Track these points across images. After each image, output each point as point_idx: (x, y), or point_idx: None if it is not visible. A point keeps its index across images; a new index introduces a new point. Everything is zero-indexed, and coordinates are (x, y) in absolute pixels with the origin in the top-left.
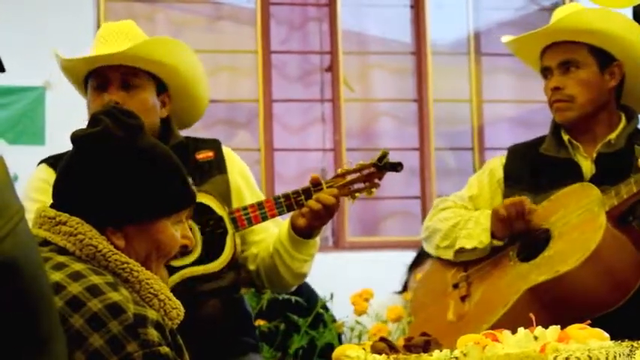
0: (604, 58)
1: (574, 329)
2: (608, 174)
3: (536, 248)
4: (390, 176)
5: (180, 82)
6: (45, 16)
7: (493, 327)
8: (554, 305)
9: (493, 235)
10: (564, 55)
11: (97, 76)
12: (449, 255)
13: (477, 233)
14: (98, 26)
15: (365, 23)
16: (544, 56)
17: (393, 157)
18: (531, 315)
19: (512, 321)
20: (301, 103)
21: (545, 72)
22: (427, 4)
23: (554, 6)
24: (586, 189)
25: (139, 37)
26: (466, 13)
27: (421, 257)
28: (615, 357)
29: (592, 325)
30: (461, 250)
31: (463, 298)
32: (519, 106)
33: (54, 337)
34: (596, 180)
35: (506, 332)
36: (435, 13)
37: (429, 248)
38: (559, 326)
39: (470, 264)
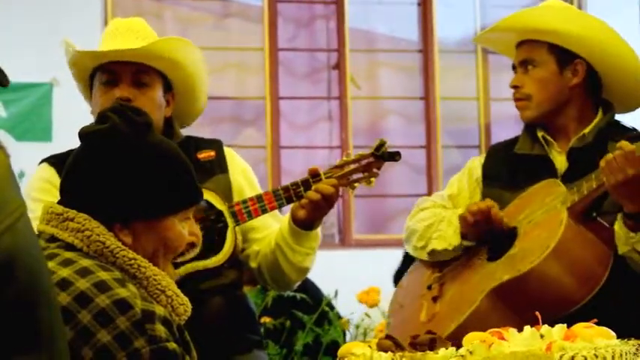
0: (564, 56)
1: (580, 328)
2: (580, 169)
3: (504, 247)
4: (396, 174)
5: (186, 82)
6: (53, 12)
7: (460, 327)
8: (519, 303)
9: (464, 236)
10: (524, 54)
11: (107, 72)
12: (424, 256)
13: (448, 235)
14: (106, 23)
15: (372, 21)
16: (515, 53)
17: (399, 151)
18: (537, 314)
19: (478, 320)
20: (308, 101)
21: (513, 70)
22: (434, 2)
23: None
24: (552, 186)
25: (150, 35)
26: (473, 11)
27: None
28: (622, 355)
29: (599, 324)
30: (433, 252)
31: (435, 299)
32: None
33: (55, 334)
34: (568, 175)
35: (513, 330)
36: (442, 11)
37: (408, 248)
38: (565, 325)
39: (445, 265)
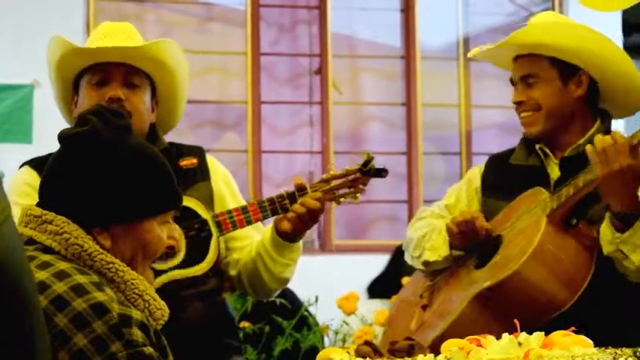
0: (566, 69)
1: (558, 336)
2: (569, 178)
3: (491, 255)
4: (377, 180)
5: (171, 86)
6: (34, 14)
7: (443, 334)
8: (501, 310)
9: (453, 246)
10: (526, 69)
11: (98, 72)
12: (419, 265)
13: (438, 245)
14: (88, 25)
15: (355, 26)
16: (513, 67)
17: (380, 161)
18: (516, 321)
19: (461, 328)
20: (290, 106)
21: (512, 83)
22: (417, 8)
23: None
24: (537, 194)
25: (138, 38)
26: (456, 18)
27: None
28: None
29: (576, 332)
30: (426, 263)
31: (424, 307)
32: (507, 112)
33: (37, 337)
34: (560, 184)
35: (491, 338)
36: (424, 17)
37: (407, 258)
38: (543, 332)
39: (437, 273)
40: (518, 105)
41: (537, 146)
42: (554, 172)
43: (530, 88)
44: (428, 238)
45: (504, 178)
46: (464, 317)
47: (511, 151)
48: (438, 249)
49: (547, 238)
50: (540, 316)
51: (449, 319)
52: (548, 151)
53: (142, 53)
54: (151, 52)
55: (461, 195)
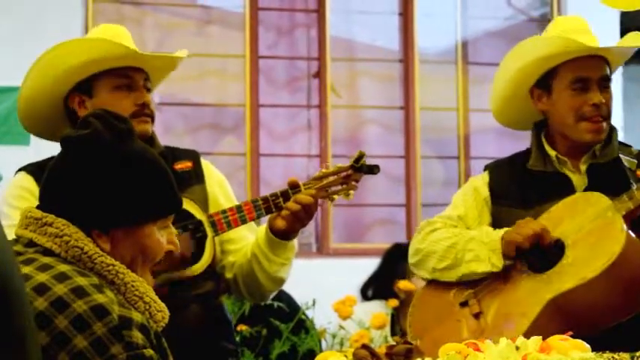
0: (611, 74)
1: (556, 340)
2: (600, 185)
3: (549, 259)
4: (375, 183)
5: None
6: (33, 16)
7: None
8: (578, 313)
9: (507, 257)
10: (603, 69)
11: (121, 76)
12: (450, 277)
13: (484, 255)
14: (86, 27)
15: (353, 30)
16: (578, 64)
17: (378, 165)
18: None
19: (537, 332)
20: (288, 109)
21: (581, 82)
22: (416, 12)
23: (543, 17)
24: (589, 197)
25: (132, 42)
26: (454, 22)
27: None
28: None
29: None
30: (471, 274)
31: (477, 315)
32: None
33: (27, 337)
34: (590, 191)
35: (488, 342)
36: (423, 21)
37: (421, 272)
38: (541, 337)
39: (473, 281)
40: (596, 107)
41: (553, 153)
42: (577, 180)
43: (604, 91)
44: (463, 247)
45: (518, 184)
46: (541, 320)
47: (517, 158)
48: (486, 259)
49: (629, 238)
50: (612, 320)
51: (524, 323)
52: (563, 157)
53: (169, 64)
54: (174, 64)
55: (469, 205)
